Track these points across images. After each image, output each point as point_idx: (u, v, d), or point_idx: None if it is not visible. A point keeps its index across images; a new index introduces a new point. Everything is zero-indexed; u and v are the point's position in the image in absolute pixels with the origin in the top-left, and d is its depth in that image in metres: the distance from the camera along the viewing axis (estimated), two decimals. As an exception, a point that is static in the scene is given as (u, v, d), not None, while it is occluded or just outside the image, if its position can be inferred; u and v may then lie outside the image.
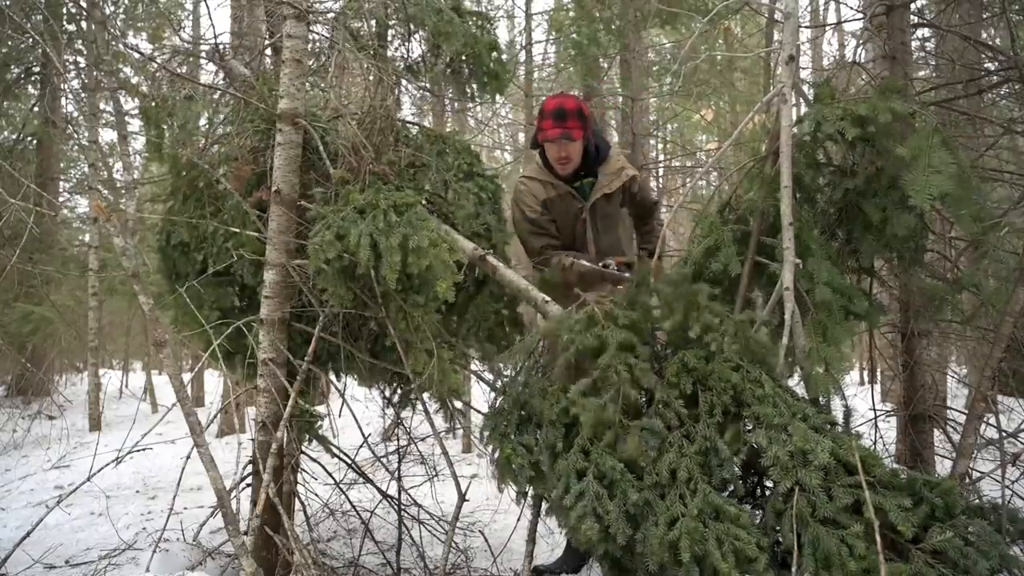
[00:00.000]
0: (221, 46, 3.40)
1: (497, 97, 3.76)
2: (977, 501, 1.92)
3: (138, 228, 7.56)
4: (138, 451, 2.87)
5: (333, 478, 3.27)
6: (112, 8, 8.84)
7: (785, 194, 2.09)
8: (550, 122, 2.91)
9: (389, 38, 3.39)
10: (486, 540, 3.30)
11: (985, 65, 4.07)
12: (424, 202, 2.79)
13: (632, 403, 2.00)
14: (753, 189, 2.31)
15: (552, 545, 3.24)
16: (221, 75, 3.41)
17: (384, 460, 3.34)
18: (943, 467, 3.56)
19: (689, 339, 2.10)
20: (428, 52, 3.40)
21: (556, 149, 2.93)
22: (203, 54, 3.73)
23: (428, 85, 3.61)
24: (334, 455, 3.06)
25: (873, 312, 2.26)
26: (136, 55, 8.87)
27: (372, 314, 2.63)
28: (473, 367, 3.29)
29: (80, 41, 8.89)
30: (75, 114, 9.62)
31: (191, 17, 10.72)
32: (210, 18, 5.98)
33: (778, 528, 1.83)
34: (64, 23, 8.64)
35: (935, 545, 1.71)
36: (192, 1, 10.69)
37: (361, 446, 3.26)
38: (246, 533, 2.48)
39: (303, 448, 2.91)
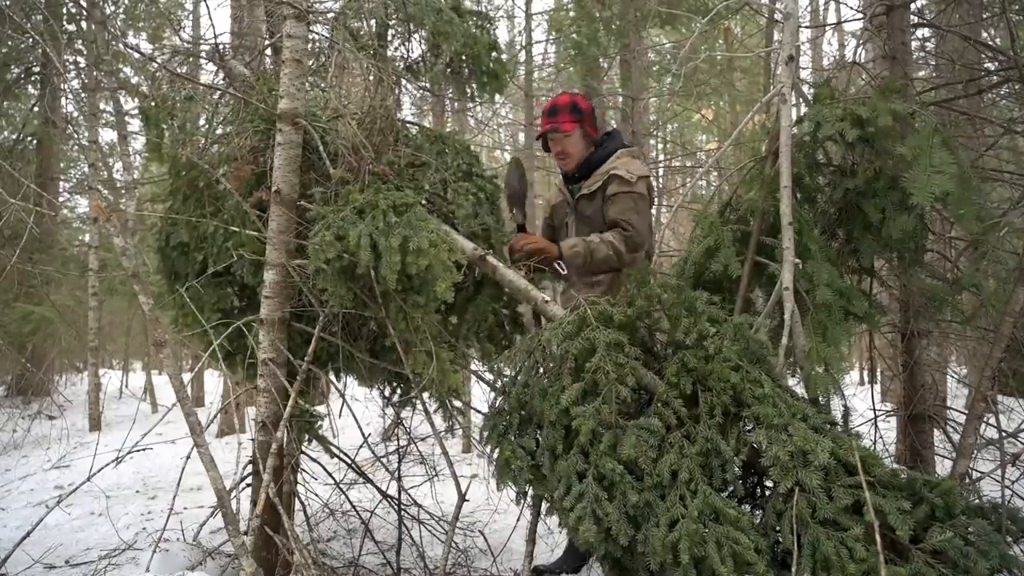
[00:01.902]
0: (221, 46, 3.40)
1: (497, 97, 3.76)
2: (977, 501, 1.92)
3: (138, 228, 7.56)
4: (138, 451, 2.87)
5: (333, 478, 3.27)
6: (112, 8, 8.84)
7: (785, 194, 2.09)
8: (543, 119, 2.96)
9: (389, 38, 3.39)
10: (486, 540, 3.30)
11: (985, 65, 4.07)
12: (424, 202, 2.79)
13: (626, 402, 1.99)
14: (753, 189, 2.31)
15: (552, 545, 3.24)
16: (221, 75, 3.41)
17: (384, 460, 3.34)
18: (943, 467, 3.56)
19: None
20: (428, 52, 3.39)
21: (552, 146, 2.97)
22: (203, 54, 3.73)
23: (428, 85, 3.60)
24: (334, 455, 3.06)
25: (873, 313, 2.26)
26: (136, 55, 8.89)
27: (372, 314, 2.63)
28: (473, 367, 3.29)
29: (80, 41, 8.90)
30: (75, 114, 9.63)
31: (191, 17, 10.73)
32: (210, 18, 5.98)
33: (778, 528, 1.83)
34: (64, 23, 8.65)
35: (935, 545, 1.70)
36: (192, 1, 10.70)
37: (361, 446, 3.26)
38: (246, 533, 2.48)
39: (303, 448, 2.91)
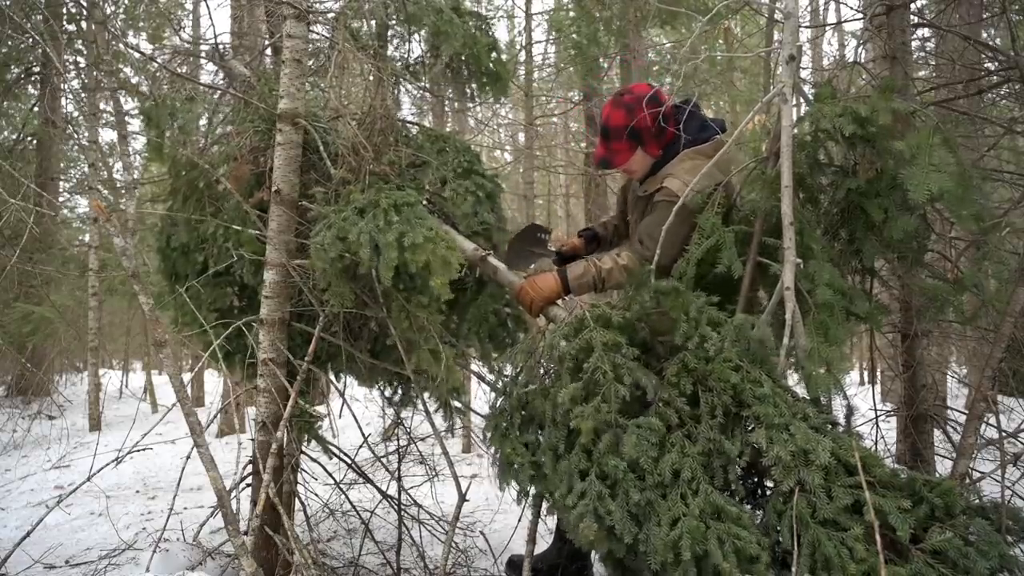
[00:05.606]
0: (221, 46, 3.40)
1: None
2: (977, 501, 1.91)
3: (138, 228, 7.56)
4: (138, 451, 2.88)
5: (333, 478, 3.27)
6: (112, 8, 8.84)
7: (786, 194, 2.09)
8: (599, 139, 2.64)
9: (389, 38, 3.39)
10: (486, 540, 3.30)
11: (985, 65, 4.07)
12: (425, 202, 2.79)
13: (625, 402, 1.99)
14: (755, 190, 2.31)
15: (552, 545, 3.24)
16: (221, 75, 3.42)
17: (384, 460, 3.34)
18: (943, 467, 3.56)
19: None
20: (428, 52, 3.39)
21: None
22: (203, 54, 3.73)
23: (428, 85, 3.60)
24: (334, 455, 3.06)
25: (875, 313, 2.26)
26: (136, 55, 8.90)
27: (373, 314, 2.63)
28: (473, 367, 3.29)
29: (80, 41, 8.90)
30: (75, 114, 9.63)
31: (191, 17, 10.72)
32: (210, 18, 5.98)
33: (779, 528, 1.83)
34: (64, 23, 8.65)
35: (935, 545, 1.70)
36: (192, 1, 10.70)
37: (361, 446, 3.26)
38: (246, 533, 2.48)
39: (303, 448, 2.91)
